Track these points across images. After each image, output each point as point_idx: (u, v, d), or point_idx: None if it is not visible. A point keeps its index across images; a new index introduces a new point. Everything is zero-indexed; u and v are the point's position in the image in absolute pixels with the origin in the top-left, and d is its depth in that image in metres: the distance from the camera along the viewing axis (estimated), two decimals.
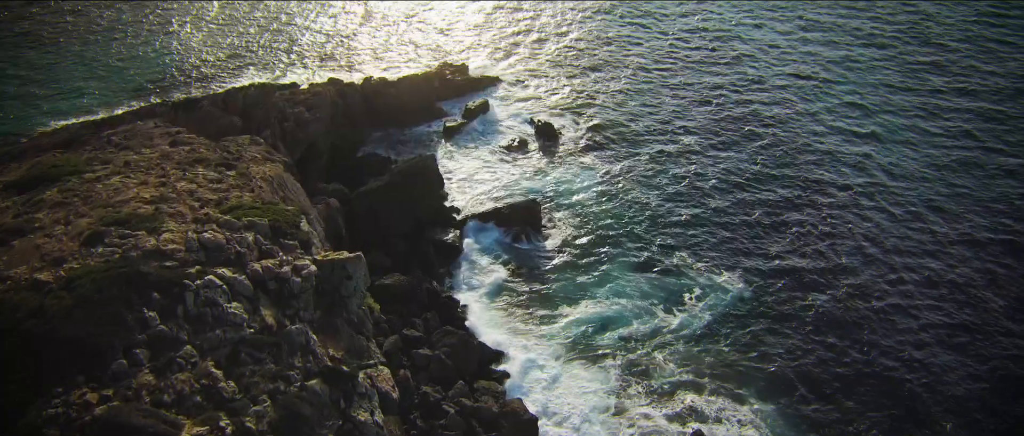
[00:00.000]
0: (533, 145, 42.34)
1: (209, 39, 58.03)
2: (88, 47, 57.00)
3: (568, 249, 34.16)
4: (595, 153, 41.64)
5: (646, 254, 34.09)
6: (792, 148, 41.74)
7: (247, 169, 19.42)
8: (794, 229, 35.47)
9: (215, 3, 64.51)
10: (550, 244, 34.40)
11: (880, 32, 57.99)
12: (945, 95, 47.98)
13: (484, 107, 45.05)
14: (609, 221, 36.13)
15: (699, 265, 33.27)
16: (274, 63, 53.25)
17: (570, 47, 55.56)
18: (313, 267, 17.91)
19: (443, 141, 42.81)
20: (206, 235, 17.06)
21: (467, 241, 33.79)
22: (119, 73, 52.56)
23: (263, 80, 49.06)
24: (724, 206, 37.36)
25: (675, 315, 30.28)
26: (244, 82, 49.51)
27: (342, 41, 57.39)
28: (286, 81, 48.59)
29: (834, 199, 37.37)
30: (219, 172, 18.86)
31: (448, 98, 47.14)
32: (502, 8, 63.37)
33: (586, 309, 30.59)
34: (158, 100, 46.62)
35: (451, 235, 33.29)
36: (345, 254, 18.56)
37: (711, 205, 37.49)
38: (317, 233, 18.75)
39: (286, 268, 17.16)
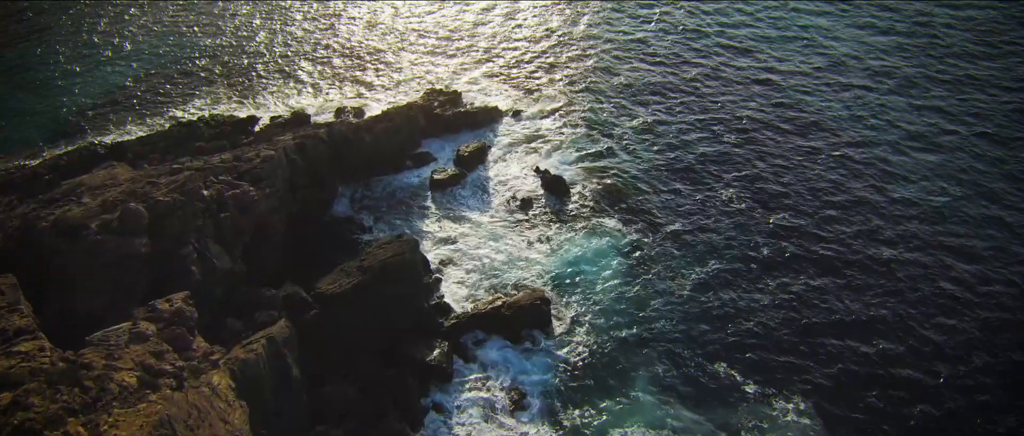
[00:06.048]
0: (539, 204, 34.91)
1: (160, 53, 49.95)
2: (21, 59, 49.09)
3: (588, 363, 27.10)
4: (612, 215, 34.27)
5: (682, 368, 27.12)
6: (857, 211, 34.23)
7: None
8: (863, 332, 28.41)
9: (169, 7, 56.14)
10: (565, 357, 27.30)
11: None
12: None
13: (480, 153, 37.33)
14: (634, 316, 29.06)
15: (748, 386, 26.35)
16: (229, 88, 45.30)
17: (579, 68, 47.66)
18: None
19: (429, 198, 35.35)
20: None
21: (458, 359, 26.76)
22: (55, 98, 44.79)
23: (213, 112, 41.40)
24: (774, 290, 30.23)
25: None
26: (192, 113, 41.84)
27: (312, 59, 49.35)
28: (242, 115, 40.93)
29: (919, 289, 30.08)
30: None
31: (436, 135, 39.54)
32: (497, 21, 55.21)
33: None
34: (95, 141, 39.08)
35: (437, 352, 26.17)
36: None
37: (758, 289, 30.37)
38: None
39: None
